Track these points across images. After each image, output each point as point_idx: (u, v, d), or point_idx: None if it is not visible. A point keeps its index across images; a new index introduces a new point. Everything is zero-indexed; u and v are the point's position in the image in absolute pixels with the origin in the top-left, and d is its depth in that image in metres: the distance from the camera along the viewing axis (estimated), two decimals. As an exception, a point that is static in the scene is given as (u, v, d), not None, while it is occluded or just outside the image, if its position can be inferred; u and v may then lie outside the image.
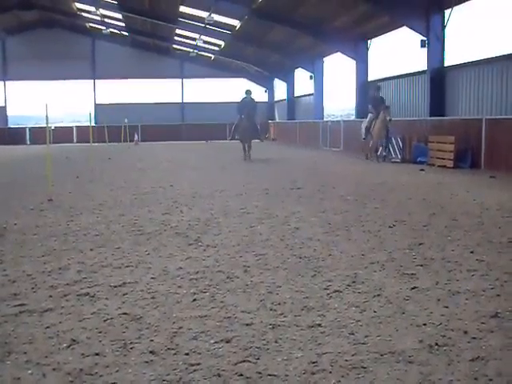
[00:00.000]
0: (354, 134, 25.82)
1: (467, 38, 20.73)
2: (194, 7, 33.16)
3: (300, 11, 27.90)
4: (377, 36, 27.93)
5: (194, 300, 4.68)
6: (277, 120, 47.22)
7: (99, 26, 44.84)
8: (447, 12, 21.34)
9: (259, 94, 49.68)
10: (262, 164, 19.39)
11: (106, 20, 42.32)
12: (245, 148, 21.28)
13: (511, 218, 8.28)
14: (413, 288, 4.92)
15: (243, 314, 4.33)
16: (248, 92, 21.75)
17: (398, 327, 4.04)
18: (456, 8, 20.92)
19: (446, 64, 21.71)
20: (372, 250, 6.34)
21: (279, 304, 4.55)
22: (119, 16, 39.98)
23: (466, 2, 20.29)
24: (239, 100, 21.93)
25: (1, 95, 48.85)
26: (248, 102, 21.38)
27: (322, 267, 5.64)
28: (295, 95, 42.72)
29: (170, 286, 5.06)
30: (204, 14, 33.19)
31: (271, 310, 4.44)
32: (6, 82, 48.41)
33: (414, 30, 22.08)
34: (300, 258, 6.03)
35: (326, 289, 4.93)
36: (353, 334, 3.93)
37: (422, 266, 5.65)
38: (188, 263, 5.88)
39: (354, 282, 5.13)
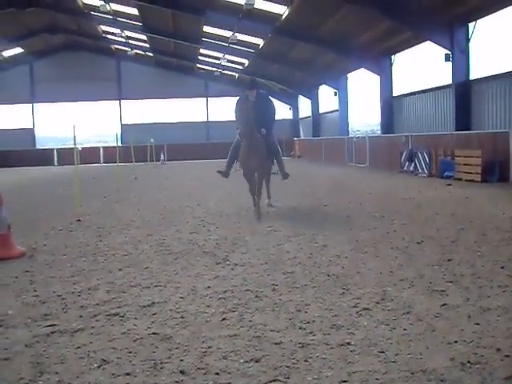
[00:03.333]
0: (380, 149, 25.78)
1: (492, 51, 20.61)
2: (217, 27, 33.48)
3: (323, 28, 28.01)
4: (400, 51, 27.91)
5: (223, 319, 4.68)
6: (302, 137, 47.25)
7: (124, 48, 45.46)
8: (471, 25, 21.28)
9: (284, 112, 49.92)
10: (287, 182, 19.33)
11: (130, 41, 42.89)
12: (254, 189, 11.11)
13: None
14: (443, 305, 4.87)
15: (272, 333, 4.32)
16: (252, 86, 11.79)
17: (428, 345, 4.00)
18: (480, 21, 20.85)
19: (471, 77, 21.60)
20: (400, 267, 6.29)
21: (308, 322, 4.54)
22: (144, 37, 40.50)
23: (491, 15, 20.19)
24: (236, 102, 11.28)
25: (29, 117, 49.66)
26: (249, 106, 10.85)
27: (351, 285, 5.61)
28: (320, 112, 42.74)
29: (198, 306, 5.07)
30: (228, 34, 33.51)
31: (300, 328, 4.42)
32: (34, 104, 49.19)
33: (437, 44, 22.02)
34: (328, 275, 6.01)
35: (354, 306, 4.90)
36: (383, 352, 3.90)
37: (451, 282, 5.60)
38: (216, 282, 5.89)
39: (383, 299, 5.09)
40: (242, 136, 10.87)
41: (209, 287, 5.69)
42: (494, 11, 19.81)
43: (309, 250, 7.40)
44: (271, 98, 12.40)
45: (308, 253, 7.18)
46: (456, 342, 4.03)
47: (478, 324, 4.38)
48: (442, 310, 4.75)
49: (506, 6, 18.96)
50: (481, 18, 20.59)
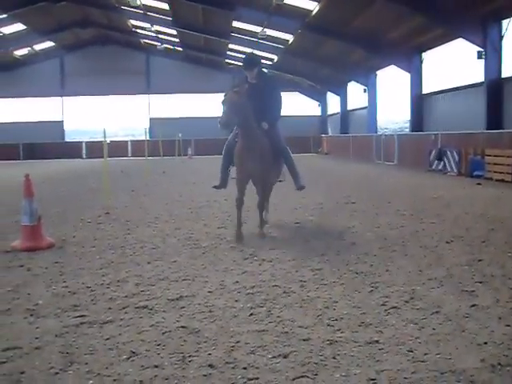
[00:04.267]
0: (409, 147, 25.59)
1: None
2: (247, 22, 33.47)
3: (353, 24, 27.83)
4: (431, 48, 27.61)
5: (251, 314, 4.69)
6: (330, 134, 47.09)
7: (154, 42, 45.65)
8: (505, 22, 20.99)
9: (313, 108, 49.78)
10: (314, 177, 19.29)
11: (160, 36, 43.05)
12: (241, 201, 8.36)
13: None
14: (472, 305, 4.82)
15: (300, 329, 4.32)
16: (251, 63, 8.72)
17: (458, 345, 3.96)
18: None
19: (503, 75, 21.31)
20: (429, 266, 6.24)
21: (336, 320, 4.53)
22: (173, 32, 40.62)
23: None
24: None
25: (58, 110, 50.13)
26: (247, 90, 8.33)
27: (379, 283, 5.58)
28: (348, 109, 42.52)
29: (226, 300, 5.09)
30: (257, 29, 33.48)
31: (328, 325, 4.41)
32: (64, 98, 49.68)
33: (470, 41, 21.74)
34: (356, 273, 5.99)
35: (383, 305, 4.88)
36: (411, 351, 3.88)
37: (481, 282, 5.54)
38: (244, 277, 5.90)
39: (411, 298, 5.06)
40: (241, 131, 8.22)
41: (237, 282, 5.71)
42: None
43: (336, 247, 7.37)
44: (276, 82, 9.52)
45: (336, 250, 7.16)
46: (486, 343, 3.99)
47: (508, 325, 4.33)
48: (472, 310, 4.71)
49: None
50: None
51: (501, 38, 21.20)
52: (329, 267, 6.26)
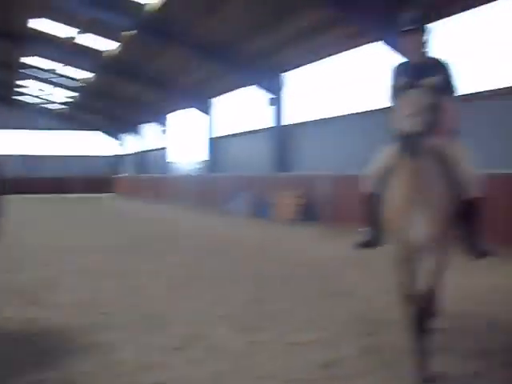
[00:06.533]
0: (203, 188, 26.21)
1: (309, 98, 21.97)
2: (43, 57, 32.19)
3: (151, 66, 28.22)
4: (225, 93, 28.70)
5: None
6: (127, 173, 46.81)
7: None
8: (291, 73, 22.63)
9: (110, 148, 49.37)
10: (106, 220, 19.04)
11: None
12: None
13: (339, 267, 8.71)
14: (251, 342, 5.03)
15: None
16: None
17: (239, 381, 4.14)
18: (296, 70, 22.28)
19: (290, 122, 22.83)
20: (215, 304, 6.41)
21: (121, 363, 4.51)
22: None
23: (306, 65, 21.65)
24: None
25: None
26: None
27: (164, 323, 5.63)
28: (146, 149, 42.70)
29: None
30: (54, 66, 32.67)
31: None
32: None
33: (261, 88, 23.11)
34: (143, 315, 5.97)
35: (166, 346, 4.93)
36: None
37: (263, 320, 5.81)
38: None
39: (194, 338, 5.16)
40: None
41: None
42: (308, 63, 21.28)
43: (126, 288, 7.32)
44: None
45: (125, 291, 7.10)
46: (263, 377, 4.21)
47: (286, 359, 4.59)
48: (252, 346, 4.92)
49: (315, 60, 20.74)
50: (299, 66, 21.95)
51: (287, 87, 22.84)
52: (117, 311, 6.19)
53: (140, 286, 7.52)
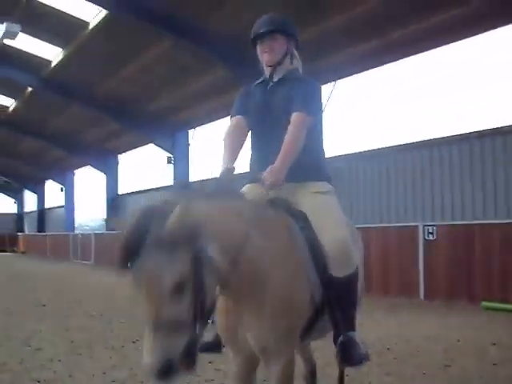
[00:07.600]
0: (105, 246, 25.89)
1: (213, 155, 22.48)
2: None
3: (52, 124, 28.01)
4: (127, 151, 28.83)
5: None
6: (26, 232, 45.47)
7: None
8: (191, 132, 23.02)
9: (8, 206, 47.96)
10: (5, 279, 18.48)
11: None
12: None
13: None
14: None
15: None
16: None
17: None
18: (198, 128, 22.72)
19: (193, 179, 23.11)
20: (114, 367, 6.42)
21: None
22: None
23: (208, 124, 22.14)
24: None
25: None
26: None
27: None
28: (46, 207, 41.80)
29: None
30: None
31: None
32: None
33: (160, 147, 23.37)
34: (38, 381, 5.91)
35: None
36: None
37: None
38: None
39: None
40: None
41: None
42: (210, 121, 21.80)
43: (20, 354, 7.19)
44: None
45: (19, 358, 6.98)
46: None
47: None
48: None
49: (217, 119, 21.20)
50: (200, 125, 22.41)
51: (188, 145, 23.17)
52: (9, 377, 6.09)
53: (37, 350, 7.40)
